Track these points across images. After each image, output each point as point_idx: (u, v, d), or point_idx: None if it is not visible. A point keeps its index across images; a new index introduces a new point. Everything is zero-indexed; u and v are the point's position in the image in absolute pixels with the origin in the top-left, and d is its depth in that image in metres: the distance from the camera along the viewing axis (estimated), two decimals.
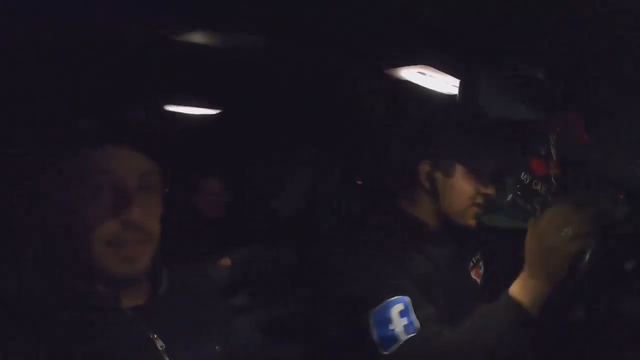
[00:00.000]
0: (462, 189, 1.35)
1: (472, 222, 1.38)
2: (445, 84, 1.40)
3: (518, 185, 1.36)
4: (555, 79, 1.33)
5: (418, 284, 1.23)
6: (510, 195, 1.36)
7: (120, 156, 0.83)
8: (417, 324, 1.15)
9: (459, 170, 1.34)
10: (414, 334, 1.14)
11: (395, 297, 1.17)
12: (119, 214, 0.80)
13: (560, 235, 1.12)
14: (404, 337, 1.14)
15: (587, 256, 1.15)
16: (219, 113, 2.14)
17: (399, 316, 1.16)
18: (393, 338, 1.15)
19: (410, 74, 1.39)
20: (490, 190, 1.38)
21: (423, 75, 1.39)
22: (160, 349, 0.85)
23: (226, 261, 1.95)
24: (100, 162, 0.82)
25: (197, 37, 1.43)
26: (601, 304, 1.61)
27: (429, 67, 1.35)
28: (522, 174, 1.35)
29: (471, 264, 1.45)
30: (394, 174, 1.42)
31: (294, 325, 1.84)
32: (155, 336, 0.86)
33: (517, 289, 1.15)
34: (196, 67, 1.70)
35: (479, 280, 1.46)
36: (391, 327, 1.15)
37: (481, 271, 1.48)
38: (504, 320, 1.14)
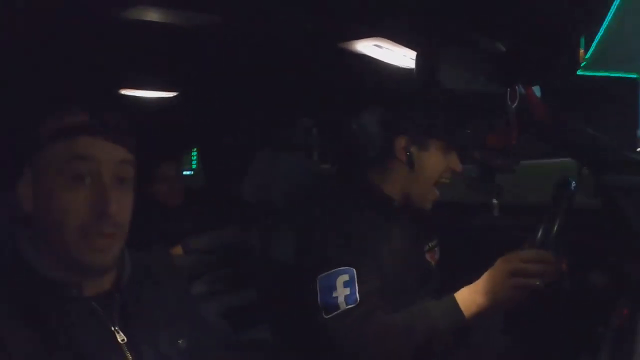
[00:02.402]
0: (434, 162, 1.36)
1: (428, 204, 1.39)
2: (402, 57, 1.35)
3: (472, 175, 1.38)
4: (515, 52, 1.30)
5: (371, 258, 1.27)
6: (467, 183, 1.39)
7: (97, 145, 0.82)
8: (357, 296, 1.20)
9: (434, 144, 1.37)
10: (353, 305, 1.20)
11: (343, 268, 1.22)
12: (94, 205, 0.79)
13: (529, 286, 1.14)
14: (343, 307, 1.20)
15: None
16: (175, 95, 2.07)
17: (343, 286, 1.21)
18: (334, 305, 1.21)
19: (366, 47, 1.34)
20: (458, 168, 1.38)
21: (379, 49, 1.34)
22: (121, 342, 0.83)
23: (178, 250, 1.91)
24: (78, 151, 0.80)
25: (150, 15, 1.36)
26: (573, 280, 1.61)
27: (385, 39, 1.30)
28: (475, 154, 1.35)
29: (427, 247, 1.48)
30: (366, 150, 1.41)
31: (259, 309, 1.82)
32: (117, 328, 0.84)
33: (464, 297, 1.18)
34: (150, 46, 1.62)
35: (433, 263, 1.49)
36: (335, 294, 1.21)
37: (436, 256, 1.51)
38: (440, 319, 1.18)
